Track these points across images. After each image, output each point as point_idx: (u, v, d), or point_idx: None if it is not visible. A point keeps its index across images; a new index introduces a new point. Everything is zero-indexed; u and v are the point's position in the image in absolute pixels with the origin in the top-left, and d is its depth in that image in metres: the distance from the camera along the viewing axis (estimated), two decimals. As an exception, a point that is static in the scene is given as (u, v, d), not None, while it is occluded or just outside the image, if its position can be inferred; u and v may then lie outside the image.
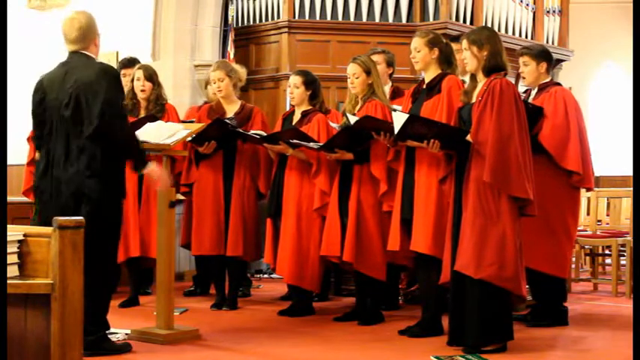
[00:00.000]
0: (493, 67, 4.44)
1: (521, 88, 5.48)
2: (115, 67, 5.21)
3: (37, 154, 6.12)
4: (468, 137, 4.35)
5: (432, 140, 4.46)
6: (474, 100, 4.47)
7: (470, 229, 4.30)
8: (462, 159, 4.44)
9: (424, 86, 4.96)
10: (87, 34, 4.34)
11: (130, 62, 6.42)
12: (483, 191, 4.29)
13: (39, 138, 4.42)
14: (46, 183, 4.30)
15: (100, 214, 4.18)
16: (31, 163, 6.25)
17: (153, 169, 4.50)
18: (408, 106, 5.00)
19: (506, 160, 4.26)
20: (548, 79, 5.36)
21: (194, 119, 5.93)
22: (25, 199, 6.42)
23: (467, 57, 4.51)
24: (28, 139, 6.22)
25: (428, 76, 4.95)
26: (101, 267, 4.18)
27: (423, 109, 4.83)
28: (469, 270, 4.28)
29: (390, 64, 5.95)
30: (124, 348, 4.45)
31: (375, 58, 5.71)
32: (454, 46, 5.18)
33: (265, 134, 5.68)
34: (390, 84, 5.92)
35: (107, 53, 7.57)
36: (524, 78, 5.41)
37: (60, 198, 4.23)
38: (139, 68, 6.08)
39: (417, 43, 4.93)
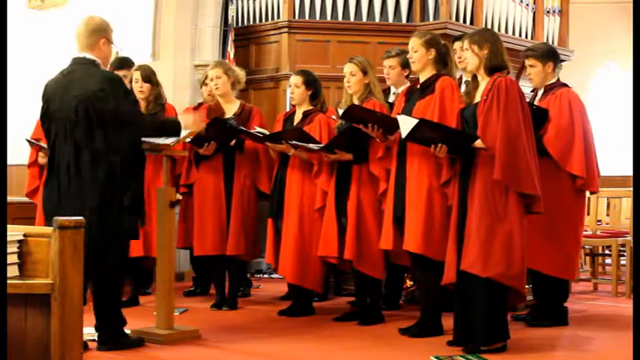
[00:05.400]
0: (495, 66, 4.43)
1: (528, 89, 5.43)
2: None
3: (40, 158, 6.17)
4: (478, 143, 4.31)
5: (439, 145, 4.45)
6: (476, 100, 4.45)
7: (476, 228, 4.28)
8: (467, 159, 4.42)
9: (418, 86, 4.96)
10: (93, 33, 4.44)
11: (123, 63, 6.33)
12: (490, 190, 4.28)
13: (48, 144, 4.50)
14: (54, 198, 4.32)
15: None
16: (33, 165, 6.25)
17: (186, 123, 4.65)
18: (401, 106, 4.99)
19: (515, 158, 4.25)
20: (554, 79, 5.30)
21: None
22: (24, 199, 6.41)
23: (467, 56, 4.50)
24: (29, 140, 6.20)
25: (423, 76, 4.93)
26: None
27: (416, 109, 4.82)
28: (476, 269, 4.26)
29: (405, 65, 5.83)
30: (140, 342, 4.52)
31: (389, 62, 5.64)
32: (456, 44, 5.14)
33: (268, 133, 5.68)
34: (407, 84, 5.82)
35: (107, 53, 7.56)
36: (531, 80, 5.35)
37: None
38: (136, 69, 6.08)
39: (414, 43, 4.92)
